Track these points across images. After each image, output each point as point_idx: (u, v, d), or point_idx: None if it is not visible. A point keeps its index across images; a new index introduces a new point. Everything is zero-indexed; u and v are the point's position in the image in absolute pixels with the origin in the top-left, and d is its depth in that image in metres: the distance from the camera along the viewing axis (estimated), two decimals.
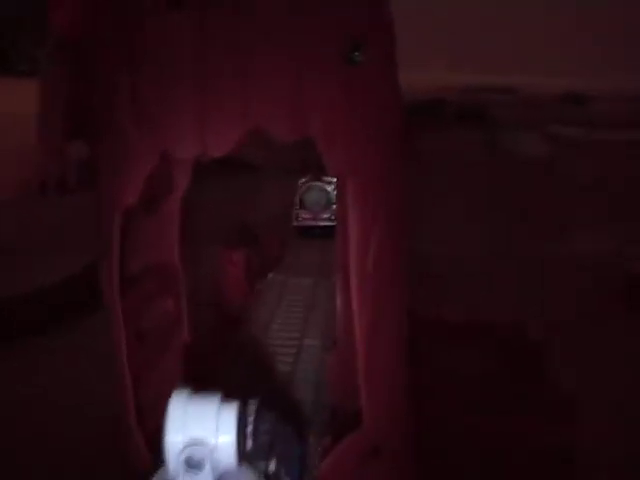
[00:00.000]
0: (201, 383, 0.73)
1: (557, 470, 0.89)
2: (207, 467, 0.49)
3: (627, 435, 0.93)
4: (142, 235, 0.65)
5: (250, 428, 0.54)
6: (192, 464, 0.49)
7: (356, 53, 0.55)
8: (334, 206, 1.38)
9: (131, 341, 0.61)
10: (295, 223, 1.46)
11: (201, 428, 0.50)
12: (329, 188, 1.45)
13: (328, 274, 1.05)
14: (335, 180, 1.26)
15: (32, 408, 1.08)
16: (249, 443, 0.53)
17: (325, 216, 1.43)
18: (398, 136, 0.61)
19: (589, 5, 3.33)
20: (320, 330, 0.88)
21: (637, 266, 1.47)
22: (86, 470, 0.91)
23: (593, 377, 1.05)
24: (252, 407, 0.56)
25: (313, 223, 1.45)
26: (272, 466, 0.60)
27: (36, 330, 1.32)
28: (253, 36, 0.53)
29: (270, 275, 1.11)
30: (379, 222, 0.58)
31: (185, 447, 0.50)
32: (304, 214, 1.46)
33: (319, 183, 1.46)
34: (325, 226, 1.42)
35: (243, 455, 0.51)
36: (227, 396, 0.63)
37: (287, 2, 0.54)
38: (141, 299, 0.65)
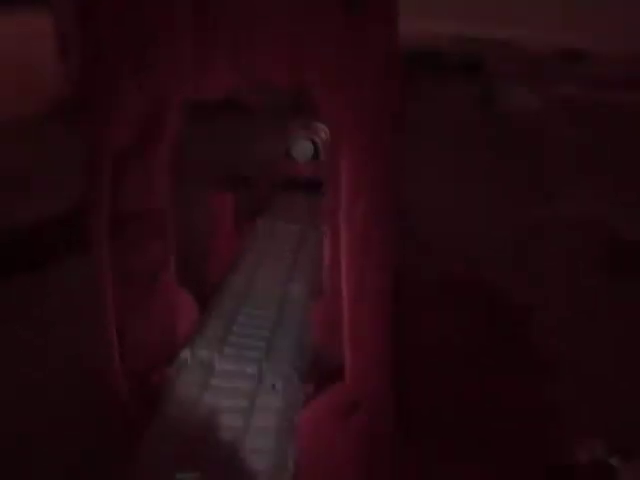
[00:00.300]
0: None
1: (534, 429, 0.90)
2: None
3: (606, 397, 0.94)
4: (130, 177, 0.65)
5: None
6: None
7: (356, 1, 0.54)
8: (320, 159, 1.30)
9: (116, 284, 0.61)
10: (279, 175, 1.36)
11: None
12: (318, 139, 1.34)
13: (316, 222, 1.05)
14: (326, 130, 1.25)
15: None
16: None
17: (311, 169, 1.34)
18: (396, 88, 0.60)
19: None
20: (306, 276, 0.88)
21: (622, 230, 1.47)
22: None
23: (575, 341, 1.06)
24: None
25: (299, 176, 1.35)
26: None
27: (25, 267, 1.31)
28: None
29: (259, 220, 1.10)
30: (371, 173, 0.58)
31: None
32: (289, 166, 1.36)
33: (307, 132, 1.35)
34: (310, 179, 1.33)
35: None
36: None
37: None
38: (128, 243, 0.64)
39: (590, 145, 2.12)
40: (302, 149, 1.31)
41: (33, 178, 1.66)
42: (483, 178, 1.78)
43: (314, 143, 1.32)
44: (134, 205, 0.65)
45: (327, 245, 0.76)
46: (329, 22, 0.54)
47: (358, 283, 0.60)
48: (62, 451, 0.85)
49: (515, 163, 1.93)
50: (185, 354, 0.68)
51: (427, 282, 1.13)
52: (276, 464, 0.56)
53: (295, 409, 0.62)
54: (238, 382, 0.65)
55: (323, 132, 1.30)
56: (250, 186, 1.20)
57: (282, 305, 0.81)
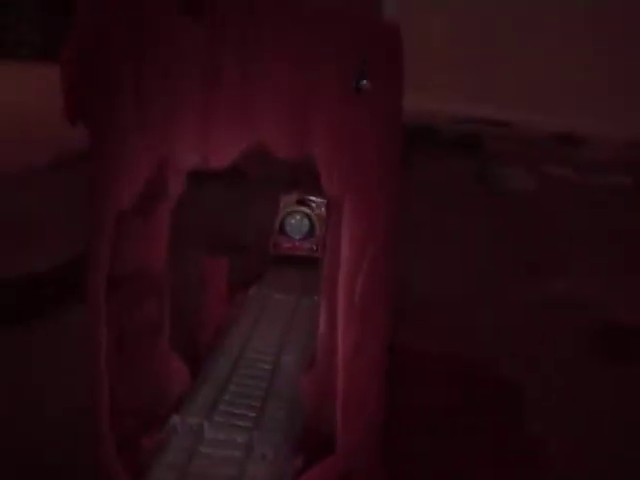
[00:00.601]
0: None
1: None
2: None
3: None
4: (130, 238, 0.65)
5: None
6: None
7: (363, 82, 0.55)
8: (315, 236, 1.28)
9: (111, 344, 0.61)
10: (272, 251, 1.31)
11: None
12: (313, 215, 1.32)
13: (309, 293, 1.05)
14: (321, 206, 1.27)
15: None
16: None
17: (306, 246, 1.30)
18: (396, 162, 0.61)
19: (593, 48, 3.36)
20: (299, 346, 0.88)
21: (616, 313, 1.47)
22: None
23: (561, 424, 1.05)
24: None
25: (293, 253, 1.31)
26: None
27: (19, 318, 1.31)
28: (262, 55, 0.54)
29: (252, 288, 1.10)
30: (372, 245, 0.59)
31: None
32: (283, 242, 1.32)
33: (303, 208, 1.32)
34: (305, 257, 1.29)
35: None
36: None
37: (300, 26, 0.54)
38: (124, 303, 0.64)
39: (585, 226, 2.13)
40: (297, 225, 1.29)
41: (34, 227, 1.66)
42: (476, 256, 1.78)
43: (309, 219, 1.30)
44: (132, 266, 0.66)
45: (322, 317, 0.76)
46: (335, 98, 0.55)
47: (354, 353, 0.60)
48: None
49: (509, 242, 1.93)
50: (175, 420, 0.68)
51: (412, 356, 1.12)
52: None
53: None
54: (228, 450, 0.65)
55: (318, 208, 1.30)
56: (244, 254, 1.21)
57: (274, 375, 0.81)
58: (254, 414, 0.71)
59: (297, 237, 1.29)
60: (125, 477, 0.60)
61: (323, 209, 1.30)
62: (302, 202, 1.31)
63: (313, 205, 1.31)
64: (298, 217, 1.30)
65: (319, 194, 1.29)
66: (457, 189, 2.46)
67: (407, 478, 0.83)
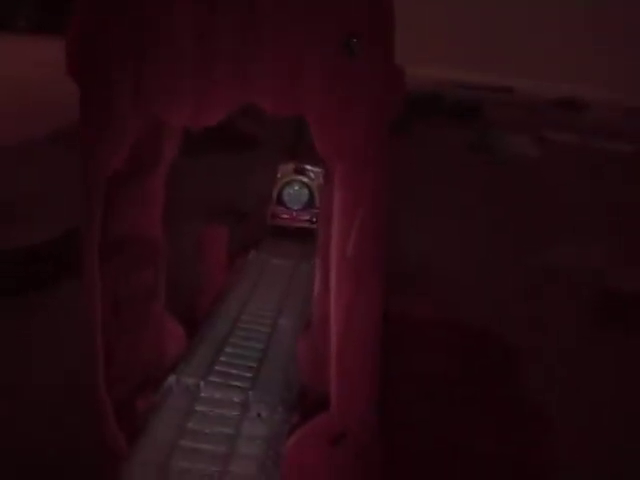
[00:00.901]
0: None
1: (510, 472, 0.89)
2: None
3: (590, 450, 0.93)
4: (126, 204, 0.65)
5: None
6: None
7: (353, 40, 0.55)
8: (314, 207, 1.24)
9: (106, 310, 0.61)
10: (270, 222, 1.27)
11: None
12: (312, 184, 1.27)
13: (308, 259, 1.06)
14: (320, 176, 1.24)
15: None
16: None
17: (305, 217, 1.26)
18: (388, 125, 0.61)
19: (595, 12, 3.33)
20: (296, 310, 0.88)
21: (617, 280, 1.47)
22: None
23: (560, 388, 1.06)
24: None
25: (291, 224, 1.27)
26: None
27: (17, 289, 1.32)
28: (255, 15, 0.53)
29: (251, 254, 1.11)
30: (363, 206, 0.59)
31: None
32: (281, 212, 1.27)
33: (301, 177, 1.28)
34: (303, 229, 1.25)
35: None
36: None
37: None
38: (119, 268, 0.65)
39: (588, 193, 2.13)
40: (295, 195, 1.25)
41: (33, 201, 1.67)
42: (478, 224, 1.78)
43: (308, 189, 1.26)
44: (127, 231, 0.66)
45: (317, 280, 0.76)
46: (327, 59, 0.55)
47: (347, 315, 0.60)
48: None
49: (511, 209, 1.93)
50: (171, 380, 0.69)
51: (413, 321, 1.13)
52: None
53: (281, 438, 0.62)
54: (224, 410, 0.65)
55: (318, 178, 1.26)
56: (243, 221, 1.20)
57: (271, 337, 0.81)
58: (250, 374, 0.71)
59: (295, 208, 1.26)
60: (122, 438, 0.61)
61: (322, 179, 1.25)
62: (301, 171, 1.28)
63: (312, 175, 1.27)
64: (297, 187, 1.27)
65: (318, 163, 1.25)
66: (458, 156, 2.46)
67: (405, 446, 0.84)
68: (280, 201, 1.27)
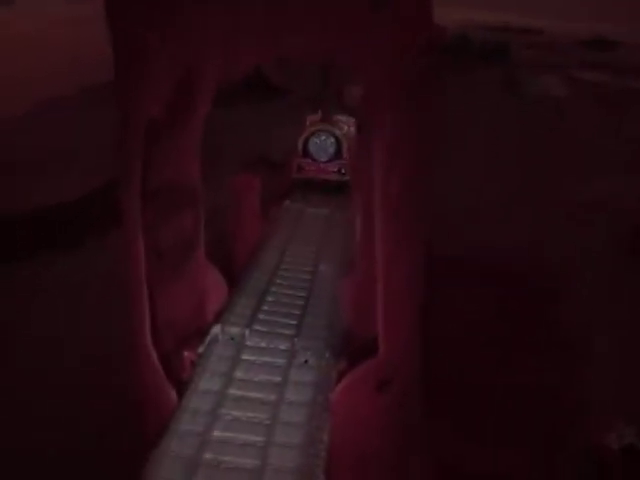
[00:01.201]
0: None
1: (550, 408, 0.89)
2: None
3: (630, 379, 0.93)
4: (163, 153, 0.64)
5: None
6: None
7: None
8: (343, 157, 1.17)
9: (149, 259, 0.61)
10: (296, 174, 1.20)
11: None
12: (340, 134, 1.19)
13: (344, 205, 1.05)
14: (349, 125, 1.20)
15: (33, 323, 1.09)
16: None
17: (333, 169, 1.18)
18: (427, 67, 0.59)
19: None
20: (336, 256, 0.88)
21: None
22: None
23: (602, 323, 1.05)
24: None
25: (318, 176, 1.19)
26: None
27: (45, 247, 1.33)
28: None
29: (287, 202, 1.10)
30: (408, 145, 0.58)
31: None
32: (308, 164, 1.20)
33: (328, 126, 1.19)
34: (332, 181, 1.18)
35: None
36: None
37: None
38: (159, 216, 0.64)
39: (617, 131, 2.10)
40: (322, 145, 1.19)
41: (72, 157, 1.67)
42: (509, 163, 1.76)
43: (336, 138, 1.19)
44: (166, 180, 0.65)
45: (358, 224, 0.75)
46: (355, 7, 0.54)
47: (392, 259, 0.59)
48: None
49: (541, 148, 1.91)
50: (216, 330, 0.68)
51: (454, 262, 1.12)
52: (310, 437, 0.56)
53: (328, 384, 0.62)
54: (270, 358, 0.65)
55: (346, 127, 1.20)
56: (276, 171, 1.18)
57: (312, 284, 0.81)
58: (295, 322, 0.71)
59: (322, 159, 1.19)
60: (170, 388, 0.60)
61: (352, 128, 1.21)
62: (328, 120, 1.21)
63: (340, 124, 1.21)
64: (323, 137, 1.19)
65: (347, 112, 1.23)
66: (487, 97, 2.43)
67: (447, 386, 0.83)
68: (306, 152, 1.21)
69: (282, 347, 0.66)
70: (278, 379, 0.62)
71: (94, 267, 1.19)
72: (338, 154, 1.18)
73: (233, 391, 0.61)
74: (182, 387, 0.61)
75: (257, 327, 0.69)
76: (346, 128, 1.20)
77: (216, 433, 0.56)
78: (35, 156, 1.69)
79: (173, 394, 0.60)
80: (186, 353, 0.65)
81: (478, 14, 3.17)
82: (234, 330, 0.68)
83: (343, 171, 1.17)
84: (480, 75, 2.72)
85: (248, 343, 0.67)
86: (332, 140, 1.19)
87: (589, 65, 2.98)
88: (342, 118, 1.21)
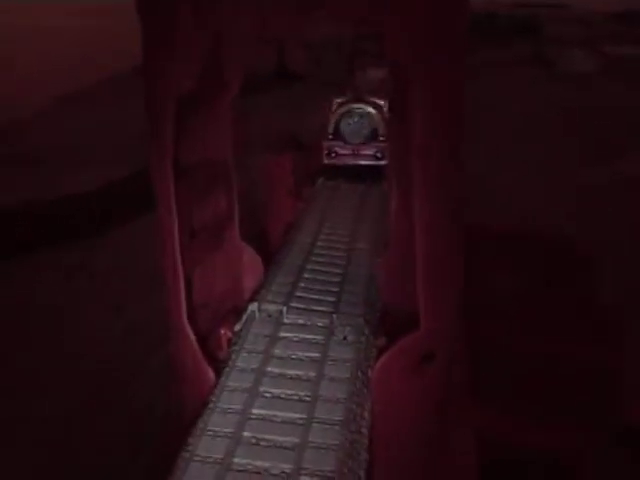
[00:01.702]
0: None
1: (592, 389, 0.87)
2: None
3: None
4: (195, 129, 0.64)
5: None
6: None
7: None
8: (380, 139, 1.07)
9: (183, 237, 0.60)
10: (326, 160, 1.10)
11: None
12: (374, 112, 1.09)
13: (377, 182, 1.03)
14: (382, 105, 1.10)
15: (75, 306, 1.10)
16: None
17: (368, 152, 1.08)
18: (463, 42, 0.58)
19: None
20: (370, 234, 0.87)
21: None
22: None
23: (630, 294, 1.04)
24: None
25: (352, 161, 1.09)
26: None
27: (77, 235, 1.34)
28: None
29: (320, 180, 1.08)
30: (443, 125, 0.56)
31: None
32: (339, 148, 1.09)
33: (361, 105, 1.10)
34: (367, 166, 1.08)
35: None
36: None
37: None
38: (193, 193, 0.63)
39: None
40: (356, 127, 1.10)
41: (92, 147, 1.68)
42: (541, 137, 1.75)
43: (370, 119, 1.09)
44: (197, 156, 0.64)
45: (394, 199, 0.74)
46: None
47: (432, 234, 0.58)
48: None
49: (572, 122, 1.89)
50: (253, 307, 0.68)
51: (490, 235, 1.10)
52: (351, 414, 0.55)
53: (368, 360, 0.61)
54: (308, 334, 0.64)
55: (379, 107, 1.11)
56: (306, 152, 1.16)
57: (348, 260, 0.80)
58: (332, 298, 0.70)
59: (356, 141, 1.10)
60: (207, 366, 0.60)
61: (385, 109, 1.10)
62: (361, 100, 1.12)
63: (374, 104, 1.11)
64: (356, 118, 1.10)
65: (376, 94, 1.13)
66: (516, 73, 2.41)
67: (487, 360, 0.82)
68: (337, 135, 1.10)
69: (320, 324, 0.66)
70: (317, 356, 0.61)
71: (116, 257, 1.20)
72: (373, 136, 1.09)
73: (271, 368, 0.60)
74: (219, 365, 0.61)
75: (294, 304, 0.69)
76: (382, 108, 1.10)
77: (255, 411, 0.55)
78: (57, 149, 1.70)
79: (210, 372, 0.59)
80: (223, 331, 0.65)
81: None
82: (271, 307, 0.68)
83: (379, 154, 1.08)
84: (509, 51, 2.70)
85: (286, 320, 0.66)
86: (366, 121, 1.10)
87: (618, 39, 2.94)
88: (374, 99, 1.12)
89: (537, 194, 1.41)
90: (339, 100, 1.13)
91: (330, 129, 1.11)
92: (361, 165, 1.09)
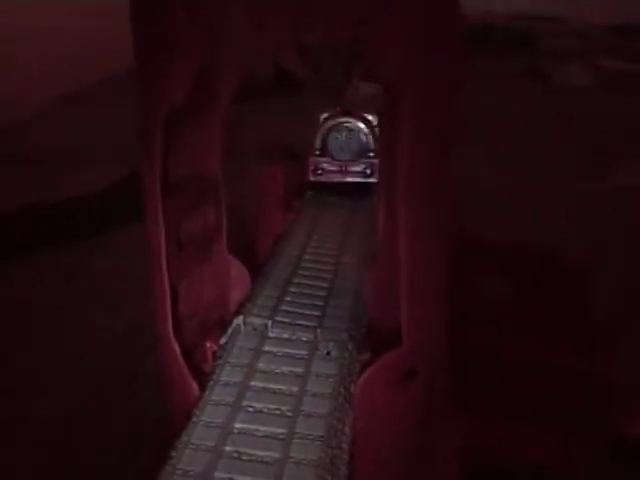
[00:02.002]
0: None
1: (586, 403, 0.88)
2: None
3: None
4: (186, 142, 0.64)
5: None
6: None
7: None
8: (370, 155, 1.03)
9: (170, 249, 0.61)
10: (312, 177, 1.05)
11: None
12: (363, 127, 1.04)
13: (367, 196, 1.04)
14: (371, 119, 1.06)
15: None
16: None
17: (357, 169, 1.03)
18: (456, 52, 0.58)
19: None
20: (358, 249, 0.87)
21: None
22: None
23: (627, 307, 1.04)
24: None
25: (339, 178, 1.04)
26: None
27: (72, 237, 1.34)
28: None
29: (309, 193, 1.08)
30: (432, 130, 0.57)
31: None
32: (327, 164, 1.04)
33: (349, 120, 1.04)
34: (356, 184, 1.04)
35: None
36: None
37: None
38: (181, 206, 0.64)
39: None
40: (344, 142, 1.04)
41: (92, 148, 1.69)
42: (535, 149, 1.76)
43: (359, 134, 1.04)
44: (188, 170, 0.64)
45: (381, 211, 0.75)
46: None
47: (416, 244, 0.58)
48: None
49: (567, 135, 1.90)
50: (238, 320, 0.68)
51: (482, 247, 1.11)
52: (333, 429, 0.55)
53: (351, 375, 0.62)
54: (292, 349, 0.65)
55: (368, 122, 1.06)
56: (298, 163, 1.16)
57: (335, 274, 0.80)
58: (317, 313, 0.70)
59: (344, 158, 1.04)
60: (192, 379, 0.60)
61: (375, 125, 1.06)
62: (349, 114, 1.06)
63: (364, 119, 1.05)
64: (345, 133, 1.04)
65: (368, 108, 1.07)
66: (511, 85, 2.42)
67: (474, 371, 0.83)
68: (325, 151, 1.05)
69: (304, 338, 0.66)
70: (300, 370, 0.62)
71: (116, 258, 1.20)
72: (362, 152, 1.05)
73: (255, 383, 0.60)
74: (204, 378, 0.61)
75: (280, 318, 0.69)
76: (372, 124, 1.06)
77: (237, 425, 0.56)
78: (57, 149, 1.70)
79: (195, 385, 0.60)
80: (208, 344, 0.65)
81: (499, 3, 3.15)
82: (257, 321, 0.68)
83: (369, 171, 1.03)
84: (506, 64, 2.70)
85: (270, 334, 0.66)
86: (355, 136, 1.05)
87: (617, 52, 2.95)
88: (366, 115, 1.07)
89: (522, 204, 1.41)
90: (325, 115, 1.08)
91: (317, 144, 1.06)
92: (348, 183, 1.05)
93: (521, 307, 0.99)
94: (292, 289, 0.76)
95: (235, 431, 0.55)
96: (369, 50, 0.56)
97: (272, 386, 0.60)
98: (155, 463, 0.52)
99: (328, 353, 0.64)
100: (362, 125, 1.05)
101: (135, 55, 0.55)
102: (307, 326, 0.67)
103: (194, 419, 0.56)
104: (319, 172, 1.05)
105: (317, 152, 1.05)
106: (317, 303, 0.72)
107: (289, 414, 0.57)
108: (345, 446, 0.55)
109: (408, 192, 0.57)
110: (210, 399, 0.58)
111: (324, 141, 1.05)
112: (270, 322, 0.67)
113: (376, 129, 1.05)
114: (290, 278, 0.78)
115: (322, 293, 0.75)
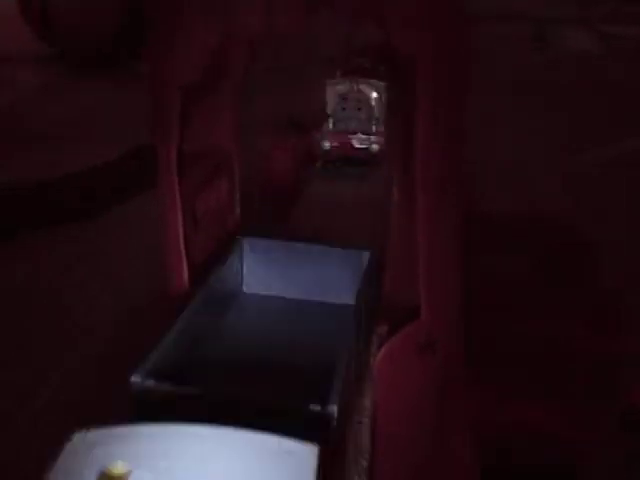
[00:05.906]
0: None
1: (598, 375, 0.88)
2: None
3: None
4: (199, 116, 0.64)
5: None
6: None
7: None
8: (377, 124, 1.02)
9: (186, 225, 0.60)
10: (322, 147, 1.06)
11: None
12: (373, 95, 1.03)
13: (376, 165, 1.03)
14: (380, 87, 1.06)
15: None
16: None
17: (365, 139, 1.03)
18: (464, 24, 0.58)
19: None
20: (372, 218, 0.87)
21: None
22: None
23: (636, 280, 1.04)
24: None
25: (347, 152, 1.04)
26: None
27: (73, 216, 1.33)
28: None
29: (318, 163, 1.08)
30: (445, 110, 0.56)
31: None
32: (333, 137, 1.04)
33: (358, 91, 1.03)
34: (364, 156, 1.03)
35: None
36: None
37: None
38: (195, 181, 0.63)
39: None
40: (350, 112, 1.04)
41: (84, 128, 1.67)
42: (543, 119, 1.74)
43: (368, 104, 1.03)
44: (202, 142, 0.64)
45: (396, 186, 0.74)
46: None
47: (432, 220, 0.58)
48: None
49: (573, 104, 1.89)
50: None
51: (487, 221, 1.10)
52: (352, 403, 0.56)
53: (370, 349, 0.62)
54: None
55: (377, 90, 1.05)
56: (305, 134, 1.15)
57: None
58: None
59: (350, 129, 1.04)
60: None
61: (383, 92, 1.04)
62: (357, 85, 1.05)
63: (372, 88, 1.05)
64: (351, 101, 1.04)
65: (375, 76, 1.08)
66: (516, 52, 2.40)
67: (487, 348, 0.83)
68: (333, 122, 1.07)
69: None
70: None
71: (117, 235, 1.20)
72: (371, 121, 1.05)
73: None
74: None
75: None
76: (375, 94, 1.05)
77: None
78: (52, 125, 1.69)
79: None
80: None
81: None
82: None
83: (377, 140, 1.04)
84: (508, 29, 2.68)
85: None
86: (363, 104, 1.05)
87: (619, 19, 2.93)
88: (374, 83, 1.06)
89: (529, 177, 1.41)
90: (332, 81, 1.08)
91: (326, 116, 1.07)
92: (356, 152, 1.05)
93: (534, 282, 0.99)
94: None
95: None
96: (381, 21, 0.55)
97: None
98: None
99: None
100: (370, 94, 1.04)
101: (149, 30, 0.55)
102: None
103: None
104: (325, 145, 1.05)
105: (326, 123, 1.06)
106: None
107: None
108: (365, 420, 0.56)
109: (425, 174, 0.57)
110: None
111: (333, 112, 1.06)
112: None
113: (383, 96, 1.04)
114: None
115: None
